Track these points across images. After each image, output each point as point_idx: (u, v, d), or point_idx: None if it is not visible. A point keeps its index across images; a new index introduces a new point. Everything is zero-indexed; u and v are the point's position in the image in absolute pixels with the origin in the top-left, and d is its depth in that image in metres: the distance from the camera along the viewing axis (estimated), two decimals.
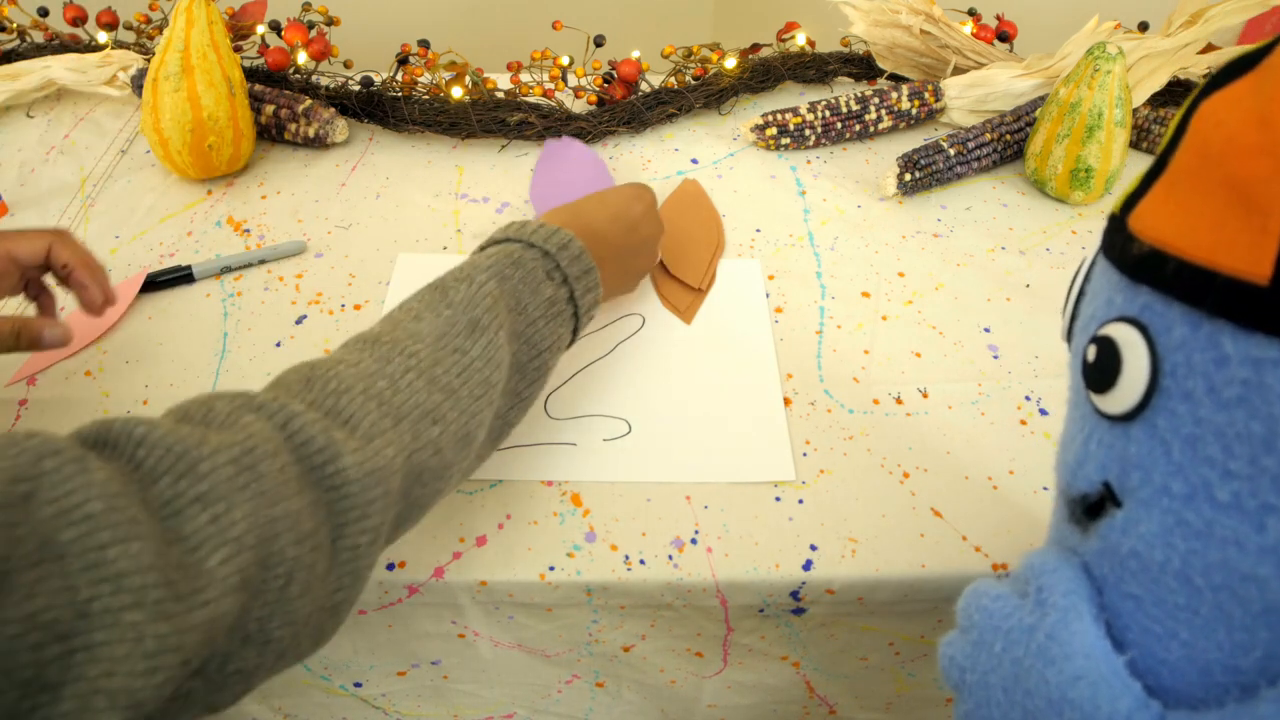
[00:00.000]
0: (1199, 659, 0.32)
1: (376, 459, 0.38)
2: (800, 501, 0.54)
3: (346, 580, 0.38)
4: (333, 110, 0.80)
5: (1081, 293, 0.36)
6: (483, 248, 0.53)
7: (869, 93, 0.82)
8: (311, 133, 0.80)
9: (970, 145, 0.77)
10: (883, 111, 0.82)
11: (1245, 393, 0.28)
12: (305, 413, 0.38)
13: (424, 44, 0.82)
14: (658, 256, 0.65)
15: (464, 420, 0.44)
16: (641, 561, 0.51)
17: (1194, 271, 0.29)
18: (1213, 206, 0.29)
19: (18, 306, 0.66)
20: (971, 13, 0.88)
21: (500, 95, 0.82)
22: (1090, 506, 0.35)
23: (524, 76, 0.83)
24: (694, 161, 0.81)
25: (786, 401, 0.60)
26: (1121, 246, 0.32)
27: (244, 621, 0.34)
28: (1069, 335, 0.38)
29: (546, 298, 0.50)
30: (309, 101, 0.80)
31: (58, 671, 0.28)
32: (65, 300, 0.67)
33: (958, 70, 0.86)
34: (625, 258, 0.60)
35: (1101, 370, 0.33)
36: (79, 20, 0.88)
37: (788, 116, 0.81)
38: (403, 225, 0.74)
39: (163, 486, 0.32)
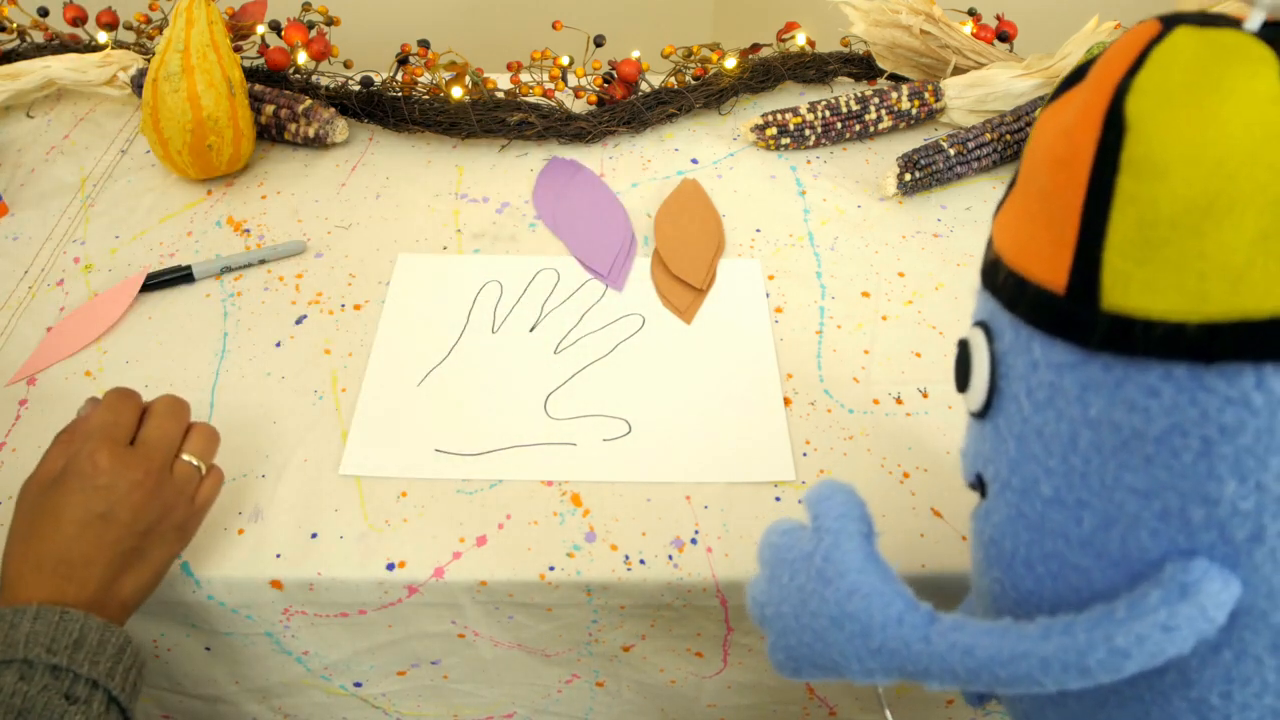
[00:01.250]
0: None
1: None
2: (800, 501, 0.54)
3: None
4: (333, 110, 0.80)
5: None
6: None
7: (869, 93, 0.82)
8: (311, 133, 0.80)
9: (970, 145, 0.77)
10: (883, 111, 0.82)
11: (1051, 395, 0.30)
12: None
13: (424, 44, 0.82)
14: (178, 507, 0.47)
15: None
16: (641, 561, 0.51)
17: (1015, 280, 0.31)
18: (1030, 217, 0.30)
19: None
20: (971, 13, 0.88)
21: (500, 95, 0.82)
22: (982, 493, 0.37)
23: (524, 76, 0.83)
24: (694, 161, 0.81)
25: (786, 401, 0.60)
26: (985, 254, 0.34)
27: None
28: None
29: None
30: (309, 101, 0.80)
31: None
32: (66, 301, 0.67)
33: (958, 70, 0.86)
34: (136, 561, 0.46)
35: (961, 370, 0.35)
36: (79, 20, 0.88)
37: (788, 116, 0.81)
38: (403, 225, 0.74)
39: None
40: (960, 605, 0.48)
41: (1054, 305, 0.29)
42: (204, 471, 0.49)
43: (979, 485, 0.36)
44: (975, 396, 0.34)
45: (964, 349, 0.35)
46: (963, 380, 0.35)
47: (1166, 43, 0.27)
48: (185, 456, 0.48)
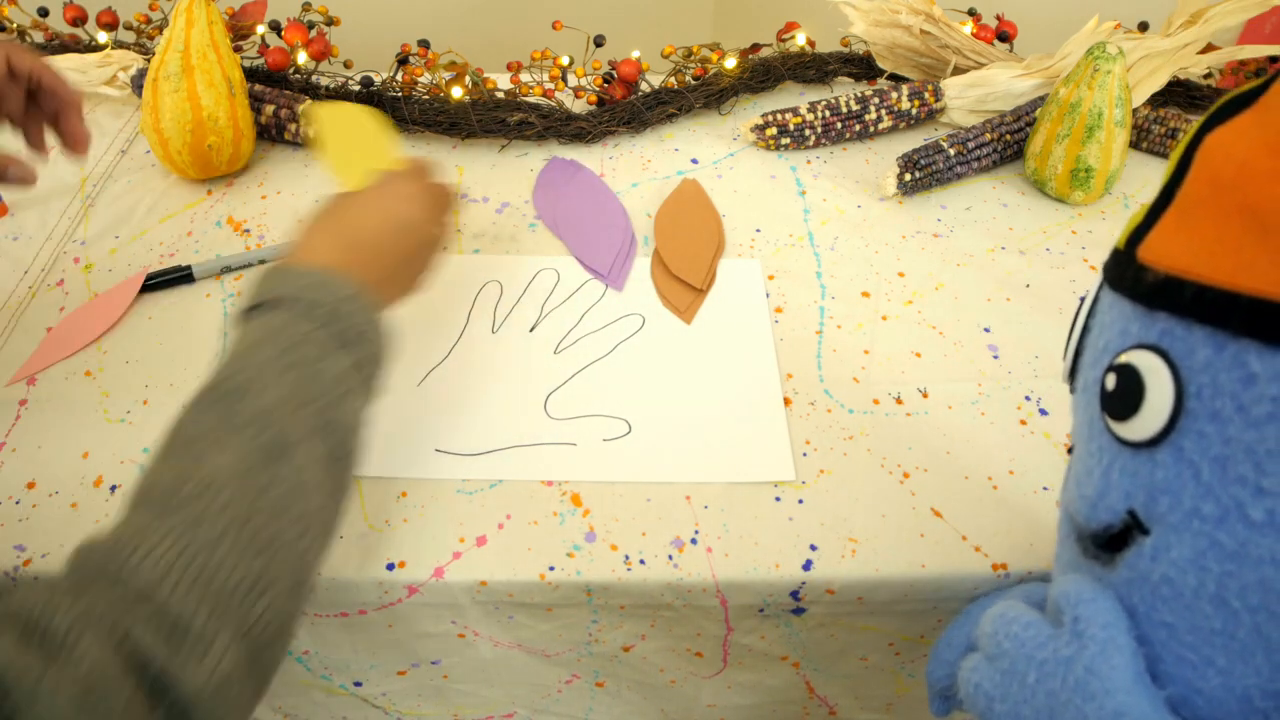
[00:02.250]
0: (1237, 686, 0.32)
1: (220, 666, 0.35)
2: (800, 501, 0.54)
3: None
4: None
5: (1085, 329, 0.37)
6: (247, 312, 0.47)
7: (869, 93, 0.82)
8: (312, 133, 0.80)
9: (970, 145, 0.77)
10: (883, 111, 0.82)
11: (1275, 409, 0.28)
12: (139, 626, 0.34)
13: (424, 44, 0.82)
14: (441, 245, 0.57)
15: (292, 571, 0.40)
16: (641, 561, 0.51)
17: (1216, 295, 0.29)
18: (1230, 232, 0.29)
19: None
20: (971, 13, 0.88)
21: (500, 95, 0.82)
22: (1113, 538, 0.34)
23: (524, 76, 0.83)
24: (694, 161, 0.81)
25: (786, 401, 0.60)
26: (1134, 278, 0.33)
27: None
28: (1072, 373, 0.38)
29: (335, 375, 0.45)
30: (309, 101, 0.80)
31: None
32: (66, 301, 0.67)
33: (958, 70, 0.86)
34: (405, 266, 0.54)
35: (1123, 397, 0.33)
36: (79, 20, 0.88)
37: (788, 116, 0.81)
38: None
39: (7, 708, 0.30)
40: (954, 622, 0.48)
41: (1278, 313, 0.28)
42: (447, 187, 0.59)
43: (1131, 523, 0.34)
44: (1150, 423, 0.32)
45: (1130, 375, 0.33)
46: (1130, 408, 0.33)
47: None
48: (436, 180, 0.58)
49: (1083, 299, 0.37)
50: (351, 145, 0.61)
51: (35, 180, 0.57)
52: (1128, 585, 0.34)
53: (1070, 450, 0.39)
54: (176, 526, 0.37)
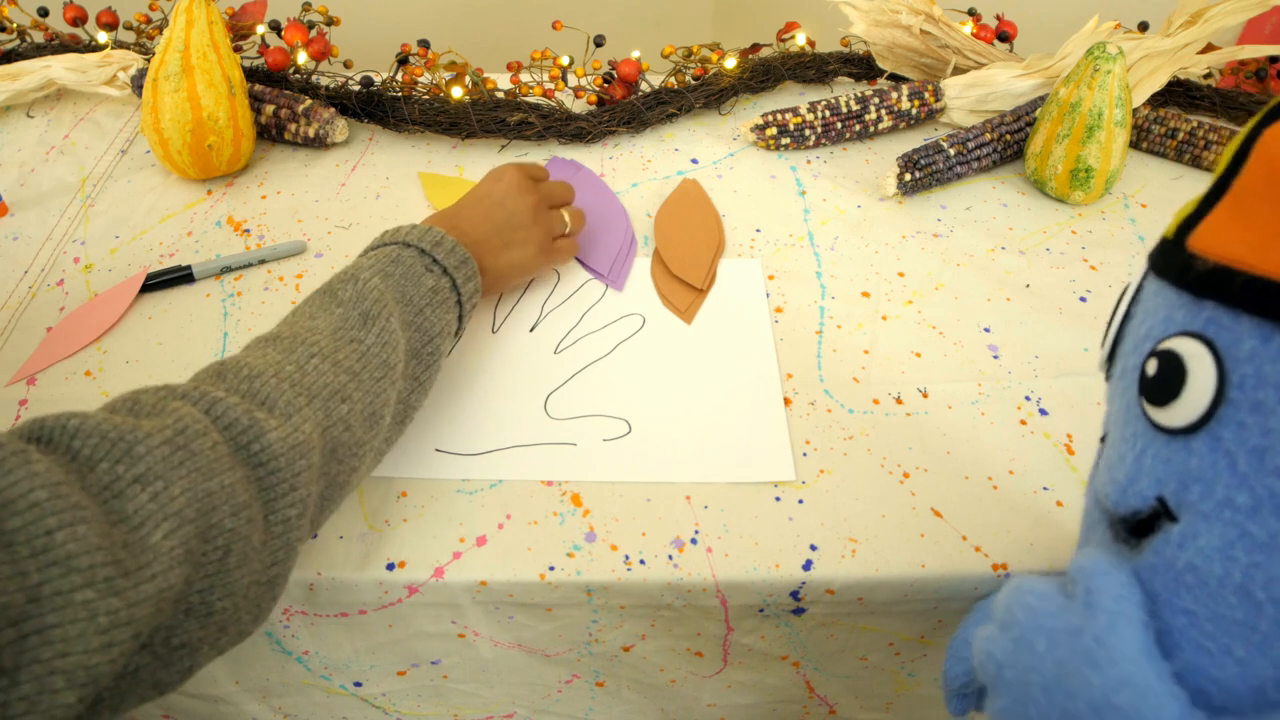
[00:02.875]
0: (1253, 676, 0.32)
1: (297, 434, 0.41)
2: (800, 501, 0.54)
3: (280, 553, 0.41)
4: (333, 110, 0.80)
5: (1127, 316, 0.37)
6: (360, 255, 0.55)
7: (869, 93, 0.82)
8: (311, 133, 0.80)
9: (970, 145, 0.77)
10: (883, 111, 0.82)
11: None
12: (226, 397, 0.40)
13: (424, 44, 0.82)
14: (543, 232, 0.64)
15: (369, 399, 0.47)
16: (641, 561, 0.51)
17: (1266, 285, 0.30)
18: None
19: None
20: (971, 13, 0.88)
21: (500, 95, 0.82)
22: (1141, 523, 0.35)
23: (524, 76, 0.83)
24: (694, 161, 0.81)
25: (786, 401, 0.60)
26: (1182, 266, 0.33)
27: (187, 594, 0.36)
28: (1109, 360, 0.38)
29: (430, 287, 0.53)
30: (309, 101, 0.80)
31: (12, 656, 0.28)
32: (66, 301, 0.67)
33: (958, 70, 0.86)
34: (502, 243, 0.61)
35: (1164, 383, 0.33)
36: (79, 20, 0.88)
37: (788, 116, 0.81)
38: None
39: (101, 471, 0.34)
40: (967, 619, 0.48)
41: None
42: (568, 229, 0.67)
43: (1160, 509, 0.34)
44: (1189, 410, 0.32)
45: (1173, 361, 0.33)
46: (1170, 394, 0.33)
47: None
48: (563, 213, 0.67)
49: (1126, 287, 0.38)
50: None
51: None
52: (1152, 570, 0.34)
53: (1103, 439, 0.39)
54: (274, 350, 0.45)
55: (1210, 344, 0.32)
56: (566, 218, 0.67)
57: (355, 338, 0.48)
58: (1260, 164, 0.31)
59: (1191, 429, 0.32)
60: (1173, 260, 0.34)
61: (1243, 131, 0.32)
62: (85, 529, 0.31)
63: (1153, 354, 0.34)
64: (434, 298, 0.53)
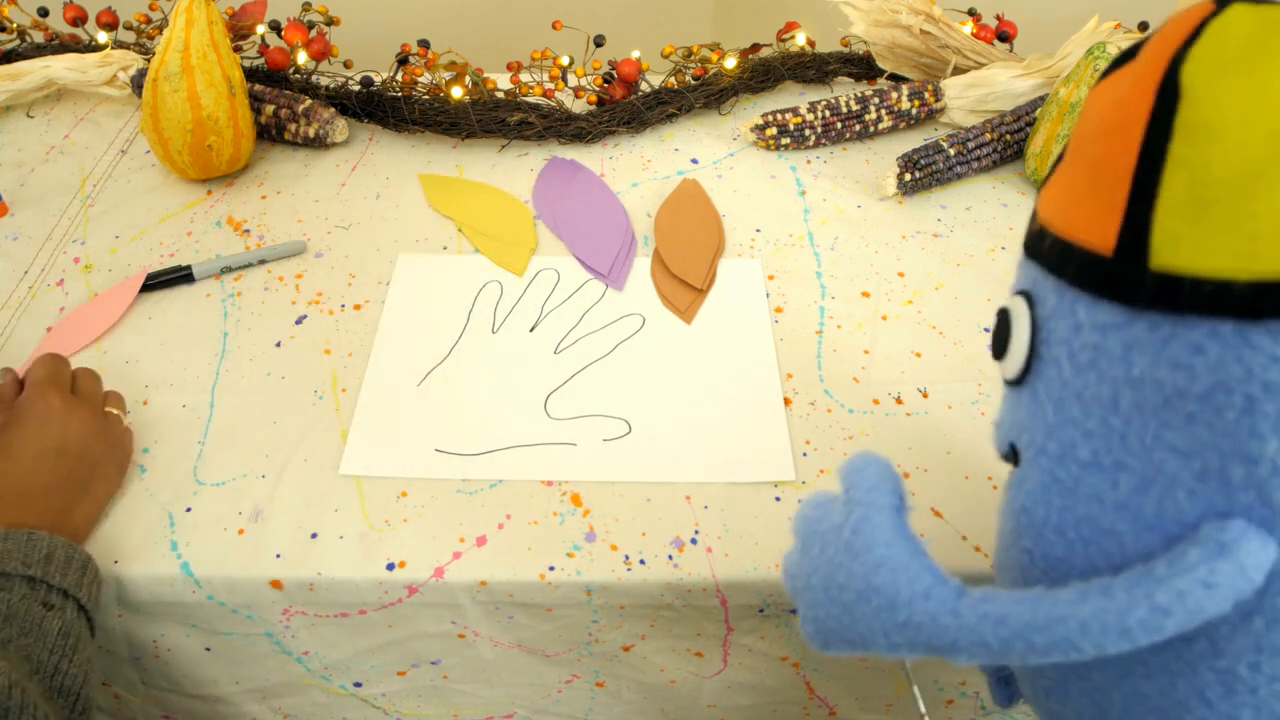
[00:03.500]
0: None
1: None
2: (800, 501, 0.54)
3: None
4: (333, 110, 0.80)
5: None
6: None
7: (869, 93, 0.82)
8: (311, 133, 0.80)
9: (970, 145, 0.77)
10: (883, 111, 0.82)
11: (1094, 357, 0.31)
12: None
13: (424, 44, 0.82)
14: (110, 444, 0.53)
15: None
16: (641, 561, 0.51)
17: (1062, 245, 0.32)
18: (1083, 186, 0.31)
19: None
20: (971, 13, 0.88)
21: (500, 95, 0.82)
22: (1013, 465, 0.38)
23: (524, 76, 0.83)
24: (694, 161, 0.81)
25: (786, 401, 0.60)
26: (1028, 226, 0.35)
27: None
28: None
29: (57, 634, 0.43)
30: (309, 101, 0.80)
31: None
32: (66, 301, 0.67)
33: (958, 70, 0.86)
34: (82, 490, 0.50)
35: (999, 337, 0.36)
36: (79, 20, 0.88)
37: (788, 116, 0.81)
38: (403, 225, 0.74)
39: None
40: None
41: (1101, 266, 0.30)
42: (125, 422, 0.56)
43: (1012, 455, 0.37)
44: (1013, 363, 0.35)
45: (1004, 317, 0.36)
46: (1000, 348, 0.36)
47: (1221, 18, 0.28)
48: (110, 409, 0.55)
49: None
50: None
51: None
52: (1007, 507, 0.37)
53: None
54: None
55: (1030, 302, 0.34)
56: (115, 410, 0.55)
57: None
58: (1078, 126, 0.33)
59: (1019, 381, 0.35)
60: (1029, 223, 0.36)
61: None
62: None
63: (998, 311, 0.36)
64: (66, 643, 0.43)
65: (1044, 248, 0.33)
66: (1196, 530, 0.29)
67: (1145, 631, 0.28)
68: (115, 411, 0.55)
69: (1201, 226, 0.27)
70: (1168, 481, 0.29)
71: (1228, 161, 0.27)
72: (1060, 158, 0.34)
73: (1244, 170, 0.26)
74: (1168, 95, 0.28)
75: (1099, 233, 0.30)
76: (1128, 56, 0.31)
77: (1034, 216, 0.35)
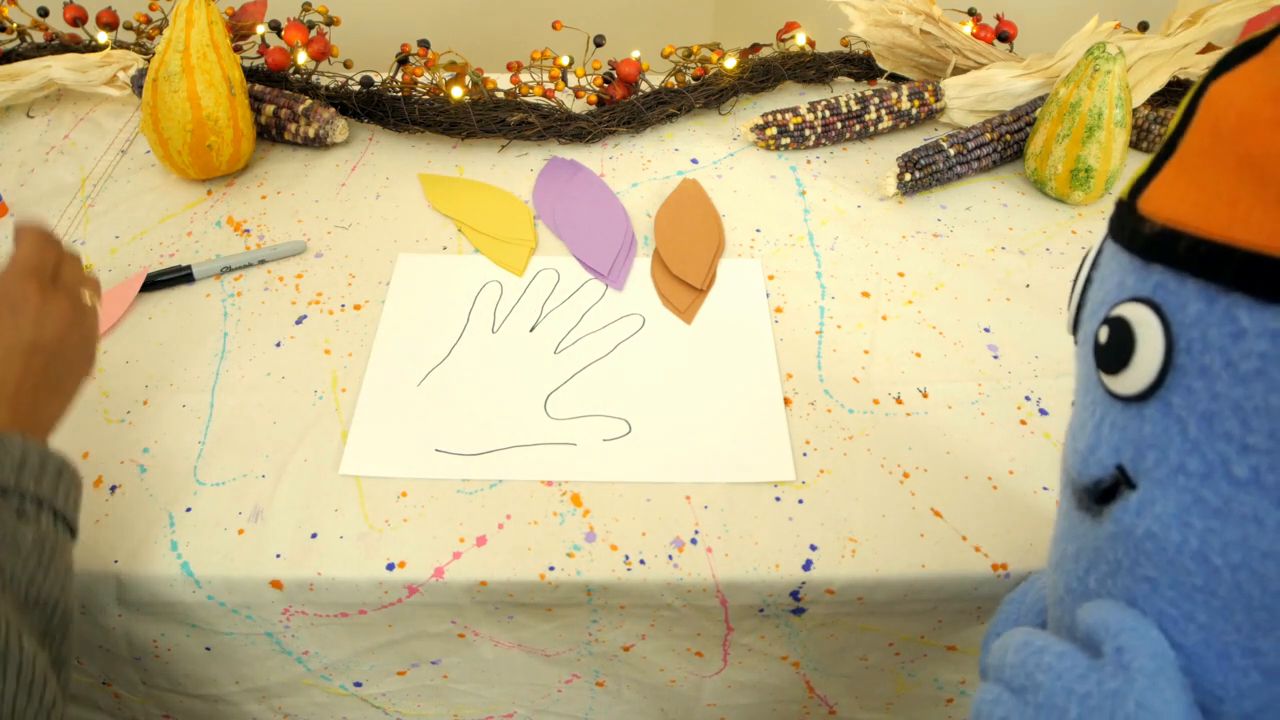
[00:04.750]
0: (1216, 642, 0.31)
1: None
2: (800, 501, 0.54)
3: None
4: (333, 110, 0.80)
5: (1088, 281, 0.36)
6: None
7: (869, 93, 0.82)
8: (311, 133, 0.80)
9: (970, 145, 0.77)
10: (883, 111, 0.82)
11: (1263, 365, 0.28)
12: None
13: (424, 44, 0.82)
14: (85, 334, 0.51)
15: None
16: (641, 561, 0.51)
17: (1210, 247, 0.29)
18: (1228, 183, 0.29)
19: None
20: (971, 13, 0.88)
21: (500, 95, 0.82)
22: (1103, 493, 0.34)
23: (524, 76, 0.83)
24: (694, 161, 0.81)
25: (786, 401, 0.60)
26: (1132, 229, 0.32)
27: None
28: (1075, 325, 0.38)
29: (31, 544, 0.41)
30: (309, 101, 0.80)
31: None
32: None
33: (958, 70, 0.86)
34: (55, 385, 0.48)
35: (1115, 350, 0.33)
36: (79, 20, 0.88)
37: (788, 116, 0.81)
38: (403, 225, 0.74)
39: None
40: (999, 614, 0.47)
41: (1271, 267, 0.27)
42: (97, 311, 0.53)
43: (1120, 478, 0.34)
44: (1140, 377, 0.32)
45: (1122, 328, 0.33)
46: (1121, 361, 0.33)
47: None
48: (86, 300, 0.52)
49: (1088, 251, 0.37)
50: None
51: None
52: (1112, 540, 0.34)
53: (1074, 404, 0.39)
54: None
55: (1158, 309, 0.31)
56: (90, 298, 0.52)
57: None
58: (1204, 121, 0.31)
59: (1144, 396, 0.32)
60: (1125, 223, 0.33)
61: (1192, 88, 0.32)
62: None
63: (1105, 321, 0.33)
64: (42, 553, 0.41)
65: (1179, 251, 0.30)
66: None
67: None
68: (90, 304, 0.52)
69: None
70: None
71: None
72: (1166, 154, 0.32)
73: None
74: None
75: (1267, 232, 0.28)
76: (1257, 47, 0.29)
77: (1141, 219, 0.33)
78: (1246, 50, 0.29)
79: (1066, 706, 0.33)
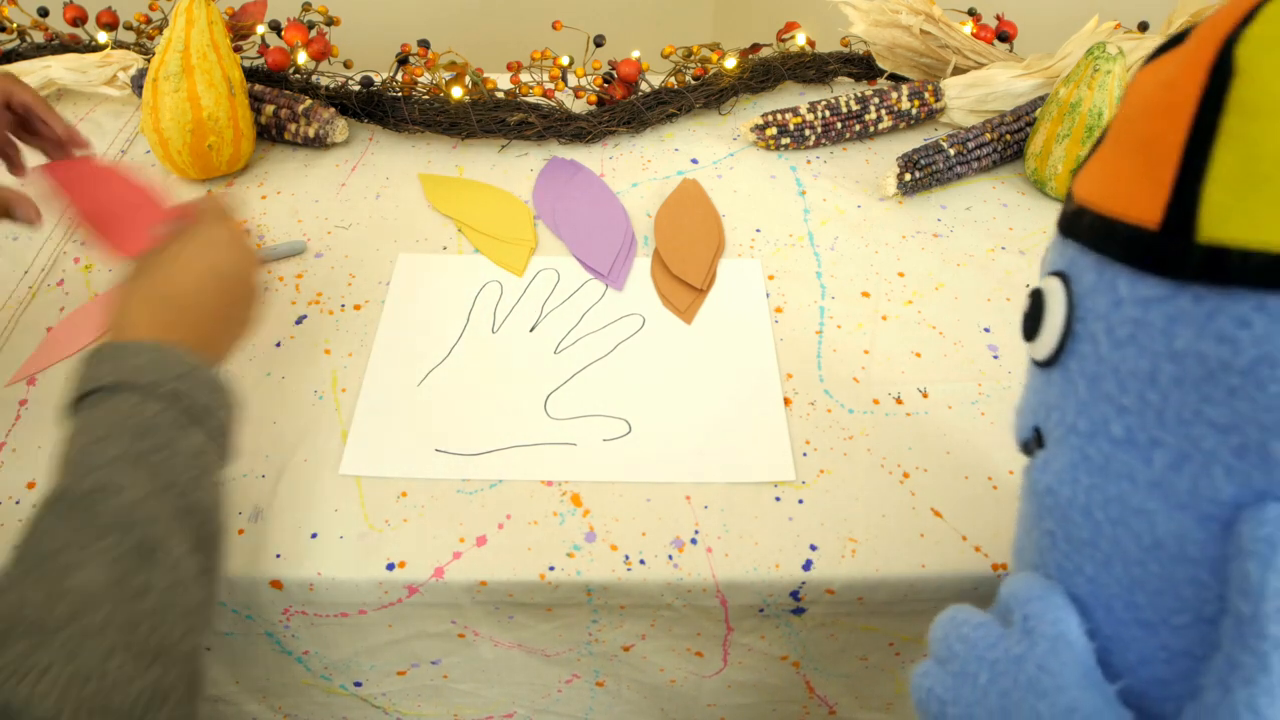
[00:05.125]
0: (1101, 594, 0.33)
1: None
2: (800, 501, 0.54)
3: None
4: (333, 110, 0.80)
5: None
6: (82, 400, 0.43)
7: (869, 93, 0.82)
8: (311, 133, 0.80)
9: (970, 145, 0.77)
10: (883, 111, 0.82)
11: (1134, 331, 0.31)
12: None
13: (424, 44, 0.82)
14: (261, 285, 0.54)
15: (186, 675, 0.37)
16: (641, 561, 0.51)
17: (1103, 222, 0.32)
18: (1128, 164, 0.31)
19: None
20: (971, 13, 0.88)
21: (500, 95, 0.82)
22: (1030, 453, 0.37)
23: (524, 76, 0.83)
24: (694, 161, 0.81)
25: (786, 401, 0.60)
26: (1063, 208, 0.36)
27: None
28: None
29: (191, 453, 0.43)
30: (309, 101, 0.80)
31: None
32: (66, 301, 0.67)
33: (958, 70, 0.86)
34: (231, 317, 0.51)
35: (1031, 319, 0.36)
36: (79, 20, 0.88)
37: (788, 116, 0.81)
38: (403, 225, 0.74)
39: None
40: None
41: (1147, 240, 0.30)
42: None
43: (1035, 439, 0.36)
44: (1046, 343, 0.35)
45: (1037, 297, 0.36)
46: (1033, 329, 0.36)
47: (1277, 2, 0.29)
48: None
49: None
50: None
51: (41, 220, 0.57)
52: (1028, 496, 0.37)
53: None
54: (60, 652, 0.34)
55: (1066, 281, 0.34)
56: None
57: (142, 587, 0.37)
58: (1123, 108, 0.33)
59: (1051, 361, 0.35)
60: (1063, 205, 0.36)
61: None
62: None
63: (1031, 293, 0.36)
64: (200, 462, 0.43)
65: (1083, 225, 0.33)
66: (1239, 530, 0.28)
67: None
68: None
69: (1252, 200, 0.27)
70: (1205, 458, 0.29)
71: None
72: (1098, 142, 0.35)
73: None
74: (1221, 73, 0.28)
75: (1144, 208, 0.30)
76: (1174, 42, 0.31)
77: (1069, 199, 0.35)
78: (1169, 45, 0.32)
79: (978, 672, 0.35)
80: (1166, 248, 0.29)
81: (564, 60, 0.83)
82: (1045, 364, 0.35)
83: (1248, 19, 0.29)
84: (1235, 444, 0.29)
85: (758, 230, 0.74)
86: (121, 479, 0.39)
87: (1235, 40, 0.28)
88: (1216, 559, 0.29)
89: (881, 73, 0.90)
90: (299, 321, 0.65)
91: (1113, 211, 0.31)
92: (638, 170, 0.80)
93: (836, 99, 0.82)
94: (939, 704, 0.37)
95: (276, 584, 0.51)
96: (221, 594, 0.46)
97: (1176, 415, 0.30)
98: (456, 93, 0.80)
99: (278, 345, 0.63)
